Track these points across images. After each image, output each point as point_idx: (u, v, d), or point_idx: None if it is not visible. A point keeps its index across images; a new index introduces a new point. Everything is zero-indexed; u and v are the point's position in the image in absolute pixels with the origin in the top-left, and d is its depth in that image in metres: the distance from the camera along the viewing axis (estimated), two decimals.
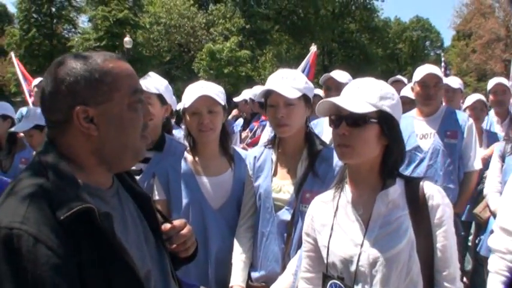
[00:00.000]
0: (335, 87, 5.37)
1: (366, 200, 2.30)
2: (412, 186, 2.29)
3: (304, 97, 3.06)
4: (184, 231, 2.09)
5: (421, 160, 4.99)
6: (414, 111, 5.29)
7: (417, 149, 5.02)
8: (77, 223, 1.51)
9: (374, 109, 2.19)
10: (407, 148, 4.94)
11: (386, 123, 2.23)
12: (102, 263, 1.55)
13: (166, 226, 2.07)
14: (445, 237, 2.22)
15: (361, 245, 2.24)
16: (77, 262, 1.50)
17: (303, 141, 3.16)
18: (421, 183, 2.30)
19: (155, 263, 1.87)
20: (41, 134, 5.35)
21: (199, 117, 3.26)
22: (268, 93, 3.10)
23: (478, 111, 6.33)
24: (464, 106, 6.50)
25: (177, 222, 2.10)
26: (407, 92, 5.94)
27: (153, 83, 3.63)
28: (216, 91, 3.32)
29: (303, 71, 7.41)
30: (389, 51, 68.65)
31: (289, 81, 3.04)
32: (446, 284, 2.23)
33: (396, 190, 2.27)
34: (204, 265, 3.23)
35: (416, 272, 2.20)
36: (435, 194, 2.26)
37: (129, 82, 1.77)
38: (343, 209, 2.37)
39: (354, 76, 2.35)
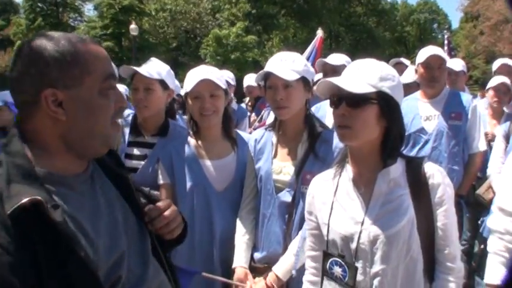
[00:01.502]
0: (331, 71, 5.34)
1: (367, 179, 2.31)
2: (413, 165, 2.30)
3: (303, 79, 3.06)
4: (167, 212, 1.97)
5: (426, 142, 4.97)
6: (418, 93, 5.26)
7: (421, 131, 5.00)
8: (28, 216, 1.41)
9: (374, 90, 2.19)
10: (412, 130, 4.98)
11: (386, 104, 2.22)
12: (55, 255, 1.45)
13: (150, 208, 1.96)
14: (446, 216, 2.24)
15: (362, 223, 2.26)
16: (30, 257, 1.41)
17: (303, 124, 3.17)
18: (422, 162, 2.31)
19: (134, 245, 1.79)
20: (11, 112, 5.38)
21: (201, 101, 3.28)
22: (267, 76, 3.11)
23: (501, 94, 6.20)
24: (488, 86, 6.40)
25: (160, 204, 1.99)
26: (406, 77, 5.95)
27: (155, 68, 3.64)
28: (218, 75, 3.34)
29: (309, 56, 7.36)
30: (396, 34, 68.30)
31: (287, 64, 3.05)
32: (447, 263, 2.25)
33: (397, 169, 2.29)
34: (208, 247, 3.28)
35: (416, 250, 2.22)
36: (436, 173, 2.26)
37: (102, 67, 1.70)
38: (343, 188, 2.39)
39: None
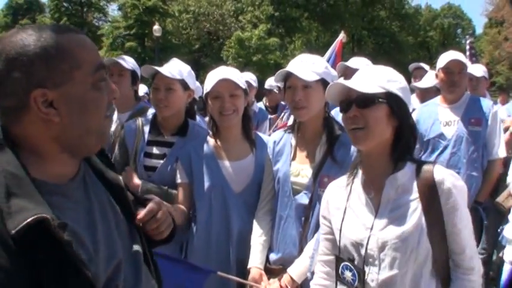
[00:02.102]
0: (352, 75, 5.32)
1: (377, 184, 2.33)
2: (423, 170, 2.29)
3: (323, 81, 3.07)
4: (159, 215, 1.86)
5: (445, 148, 4.94)
6: (438, 99, 5.23)
7: (441, 136, 4.97)
8: (30, 233, 1.28)
9: (382, 90, 2.25)
10: (431, 135, 4.97)
11: (395, 104, 2.27)
12: (60, 276, 1.34)
13: (140, 212, 1.82)
14: (458, 221, 2.22)
15: (371, 229, 2.28)
16: (31, 277, 1.30)
17: (321, 126, 3.18)
18: (432, 167, 2.29)
19: (126, 251, 1.69)
20: None
21: (221, 100, 3.30)
22: (287, 76, 3.14)
23: None
24: None
25: (152, 205, 1.86)
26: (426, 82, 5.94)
27: (176, 68, 3.67)
28: (238, 75, 3.37)
29: (328, 59, 7.35)
30: (420, 39, 67.71)
31: (307, 65, 3.08)
32: (465, 264, 2.25)
33: (406, 174, 2.29)
34: (225, 247, 3.31)
35: (425, 256, 2.21)
36: (446, 177, 2.24)
37: (91, 57, 1.55)
38: (356, 193, 2.41)
39: (384, 64, 2.38)
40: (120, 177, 1.82)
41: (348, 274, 2.34)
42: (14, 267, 1.28)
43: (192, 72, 3.83)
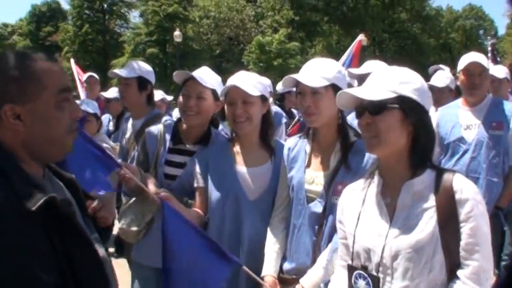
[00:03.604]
0: (358, 81, 5.22)
1: (394, 191, 2.26)
2: (442, 178, 2.20)
3: (333, 87, 3.00)
4: (106, 206, 2.30)
5: (465, 152, 4.83)
6: (460, 101, 5.13)
7: (461, 140, 4.86)
8: (42, 212, 1.65)
9: (393, 95, 2.16)
10: (451, 139, 4.88)
11: (408, 108, 2.18)
12: (66, 246, 1.72)
13: (93, 203, 2.24)
14: (471, 235, 2.09)
15: (386, 237, 2.21)
16: (50, 248, 1.66)
17: (336, 133, 3.12)
18: (451, 176, 2.20)
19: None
20: None
21: (234, 107, 3.27)
22: (298, 82, 3.06)
23: None
24: None
25: (99, 197, 2.35)
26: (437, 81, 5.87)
27: (209, 78, 3.61)
28: (253, 81, 3.31)
29: (345, 61, 7.29)
30: (441, 40, 67.07)
31: (317, 70, 3.01)
32: (465, 280, 2.08)
33: (423, 181, 2.21)
34: (236, 254, 3.20)
35: (440, 267, 2.13)
36: (465, 187, 2.14)
37: (56, 81, 1.85)
38: (371, 199, 2.35)
39: (407, 67, 2.31)
40: (71, 175, 2.16)
41: (361, 283, 2.27)
42: (34, 233, 1.64)
43: (222, 83, 3.73)
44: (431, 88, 6.08)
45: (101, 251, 1.99)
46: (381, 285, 2.21)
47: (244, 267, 2.94)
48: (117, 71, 4.71)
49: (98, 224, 2.24)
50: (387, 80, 2.22)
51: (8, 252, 1.54)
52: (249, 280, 3.08)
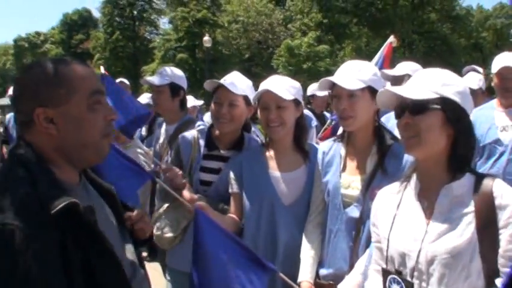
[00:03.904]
0: (393, 82, 5.15)
1: (431, 194, 2.21)
2: (482, 183, 2.15)
3: (370, 89, 2.97)
4: (145, 218, 2.30)
5: (501, 154, 4.71)
6: (495, 102, 5.02)
7: (497, 142, 4.75)
8: (62, 216, 1.64)
9: (436, 96, 2.14)
10: (487, 141, 4.76)
11: (450, 110, 2.14)
12: (87, 253, 1.71)
13: (132, 214, 2.24)
14: (511, 241, 2.04)
15: (422, 241, 2.17)
16: (64, 254, 1.64)
17: (372, 136, 3.08)
18: (492, 181, 2.16)
19: (123, 250, 2.04)
20: None
21: (267, 112, 3.27)
22: (333, 84, 3.04)
23: None
24: None
25: (137, 210, 2.30)
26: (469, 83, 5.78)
27: (239, 84, 3.60)
28: (286, 85, 3.30)
29: (376, 63, 7.24)
30: (472, 40, 66.03)
31: (353, 73, 2.99)
32: (498, 283, 2.03)
33: (463, 185, 2.17)
34: (271, 260, 3.13)
35: (477, 274, 2.08)
36: (505, 193, 2.10)
37: (87, 84, 1.87)
38: (407, 202, 2.31)
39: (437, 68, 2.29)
40: (110, 186, 2.16)
41: (395, 287, 2.24)
42: (52, 244, 1.62)
43: (253, 88, 3.74)
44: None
45: (130, 260, 2.05)
46: None
47: (281, 274, 2.88)
48: (149, 78, 4.76)
49: (136, 235, 2.26)
50: (430, 81, 2.19)
51: (15, 251, 1.55)
52: (285, 286, 3.01)
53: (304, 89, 8.33)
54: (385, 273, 2.30)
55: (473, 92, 6.12)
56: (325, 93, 7.87)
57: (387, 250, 2.30)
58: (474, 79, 6.33)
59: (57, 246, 1.63)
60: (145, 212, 2.36)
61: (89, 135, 1.86)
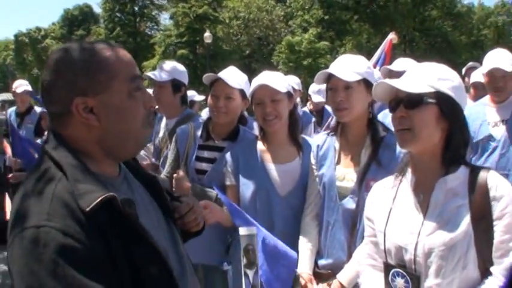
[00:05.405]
0: (396, 78, 5.20)
1: (427, 187, 2.23)
2: (476, 175, 2.18)
3: (365, 81, 3.03)
4: (195, 208, 2.16)
5: (494, 149, 4.76)
6: (487, 98, 5.06)
7: (490, 137, 4.80)
8: (100, 212, 1.50)
9: (431, 90, 2.14)
10: (480, 137, 4.81)
11: (445, 104, 2.16)
12: (128, 248, 1.56)
13: (178, 205, 2.12)
14: (506, 232, 2.08)
15: (418, 234, 2.19)
16: (105, 251, 1.50)
17: (365, 128, 3.13)
18: (486, 173, 2.19)
19: (169, 243, 1.88)
20: None
21: (262, 106, 3.33)
22: (329, 77, 3.10)
23: None
24: None
25: (187, 200, 2.17)
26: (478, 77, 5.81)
27: (236, 78, 3.72)
28: (279, 79, 3.38)
29: (378, 60, 7.25)
30: (473, 38, 65.81)
31: (349, 65, 3.04)
32: (498, 276, 2.09)
33: (457, 178, 2.18)
34: None
35: (473, 264, 2.11)
36: (500, 184, 2.13)
37: (127, 69, 1.72)
38: (402, 195, 2.32)
39: None
40: (158, 176, 2.03)
41: (399, 281, 2.25)
42: (91, 243, 1.47)
43: (248, 82, 3.82)
44: (476, 85, 6.07)
45: (177, 256, 1.89)
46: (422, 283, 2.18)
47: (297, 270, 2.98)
48: (150, 74, 4.75)
49: (187, 228, 2.15)
50: (426, 75, 2.21)
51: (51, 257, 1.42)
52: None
53: (305, 86, 8.37)
54: (388, 267, 2.31)
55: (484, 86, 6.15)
56: (320, 99, 7.86)
57: (384, 244, 2.32)
58: (479, 75, 6.34)
59: (97, 244, 1.49)
60: (194, 199, 2.24)
61: (131, 125, 1.72)
